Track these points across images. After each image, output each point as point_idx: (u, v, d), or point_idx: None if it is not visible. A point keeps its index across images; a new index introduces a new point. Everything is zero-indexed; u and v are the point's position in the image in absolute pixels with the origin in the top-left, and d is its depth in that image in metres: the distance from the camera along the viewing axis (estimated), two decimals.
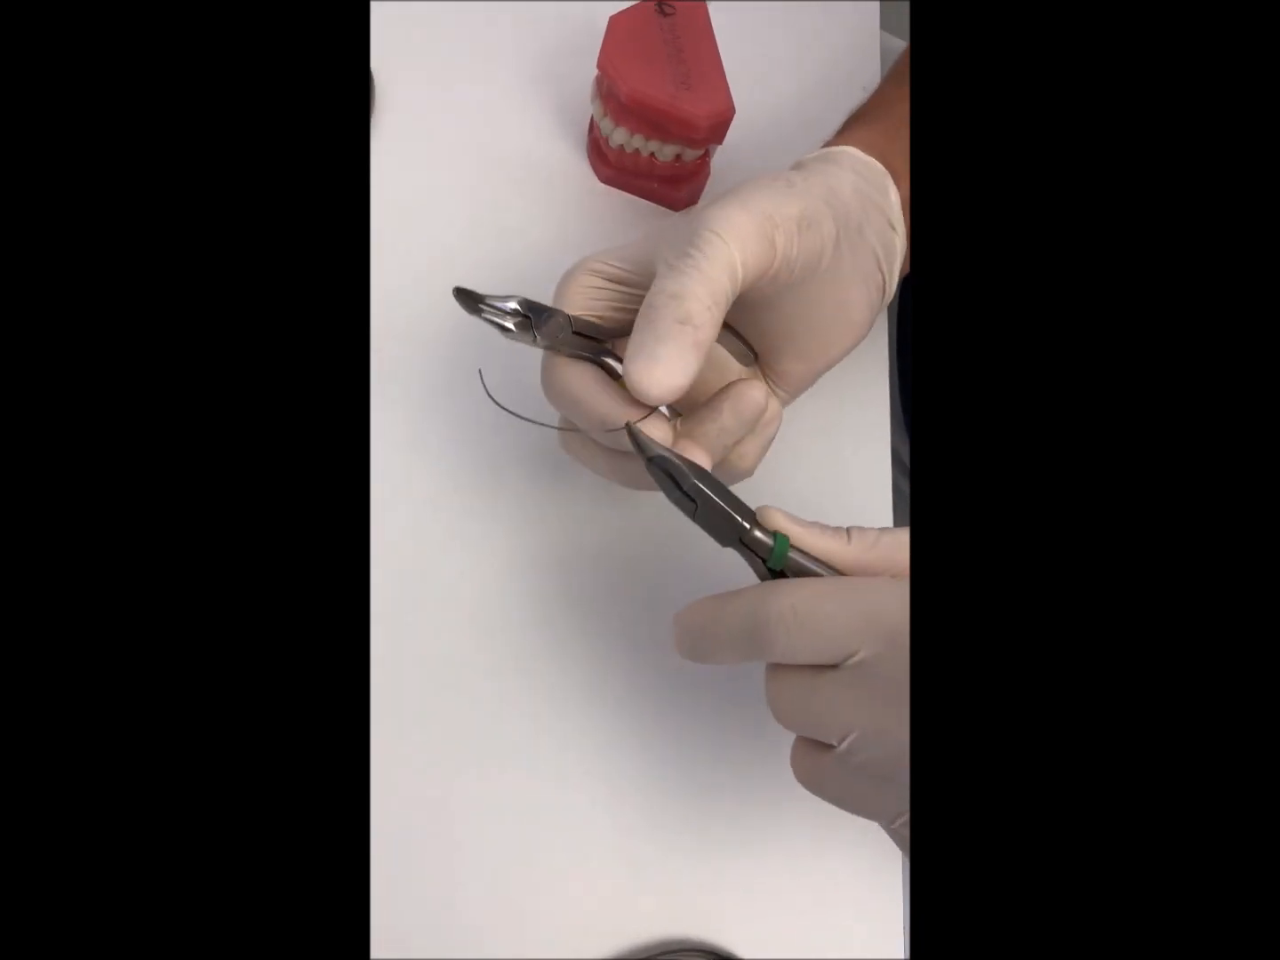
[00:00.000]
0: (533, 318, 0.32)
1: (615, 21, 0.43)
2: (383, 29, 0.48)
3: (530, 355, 0.34)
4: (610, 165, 0.47)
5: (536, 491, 0.42)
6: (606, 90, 0.43)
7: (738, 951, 0.37)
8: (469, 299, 0.32)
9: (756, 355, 0.37)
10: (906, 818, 0.25)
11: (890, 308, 0.48)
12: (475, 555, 0.40)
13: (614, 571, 0.41)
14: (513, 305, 0.32)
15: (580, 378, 0.32)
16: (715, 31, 0.44)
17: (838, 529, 0.29)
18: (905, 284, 0.60)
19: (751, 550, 0.29)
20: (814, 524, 0.29)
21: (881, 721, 0.25)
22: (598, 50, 0.43)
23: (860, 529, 0.29)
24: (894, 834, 0.27)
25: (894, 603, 0.25)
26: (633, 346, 0.30)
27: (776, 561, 0.28)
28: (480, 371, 0.35)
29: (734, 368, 0.37)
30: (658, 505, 0.32)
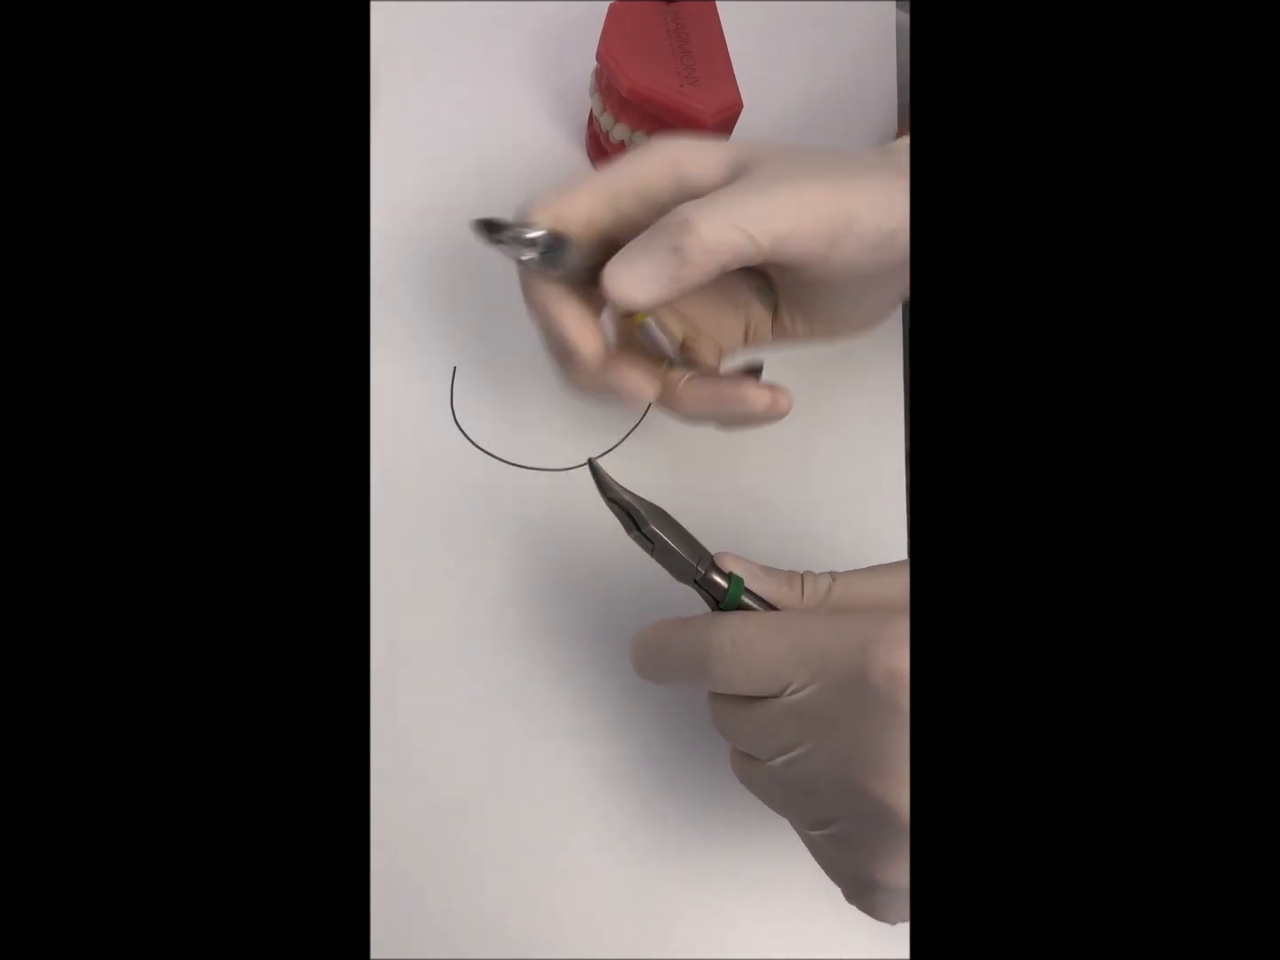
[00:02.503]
0: (558, 252, 0.31)
1: (615, 10, 0.40)
2: (375, 19, 0.47)
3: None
4: (610, 161, 0.45)
5: (538, 524, 0.40)
6: (606, 83, 0.41)
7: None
8: (489, 229, 0.30)
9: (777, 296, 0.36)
10: (827, 832, 0.27)
11: (905, 310, 0.46)
12: (475, 580, 0.39)
13: (618, 601, 0.40)
14: (538, 234, 0.31)
15: (568, 313, 0.32)
16: (721, 25, 0.41)
17: (792, 574, 0.30)
18: None
19: (706, 590, 0.29)
20: (770, 570, 0.30)
21: (808, 747, 0.26)
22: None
23: (813, 576, 0.30)
24: (808, 839, 0.28)
25: (824, 637, 0.26)
26: (628, 246, 0.30)
27: (728, 605, 0.29)
28: (451, 400, 0.34)
29: (755, 310, 0.36)
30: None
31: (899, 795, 0.24)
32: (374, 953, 0.35)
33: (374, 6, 0.47)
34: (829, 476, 0.42)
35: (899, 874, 0.25)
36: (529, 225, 0.30)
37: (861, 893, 0.27)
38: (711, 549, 0.30)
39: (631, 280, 0.30)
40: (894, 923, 0.28)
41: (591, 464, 0.30)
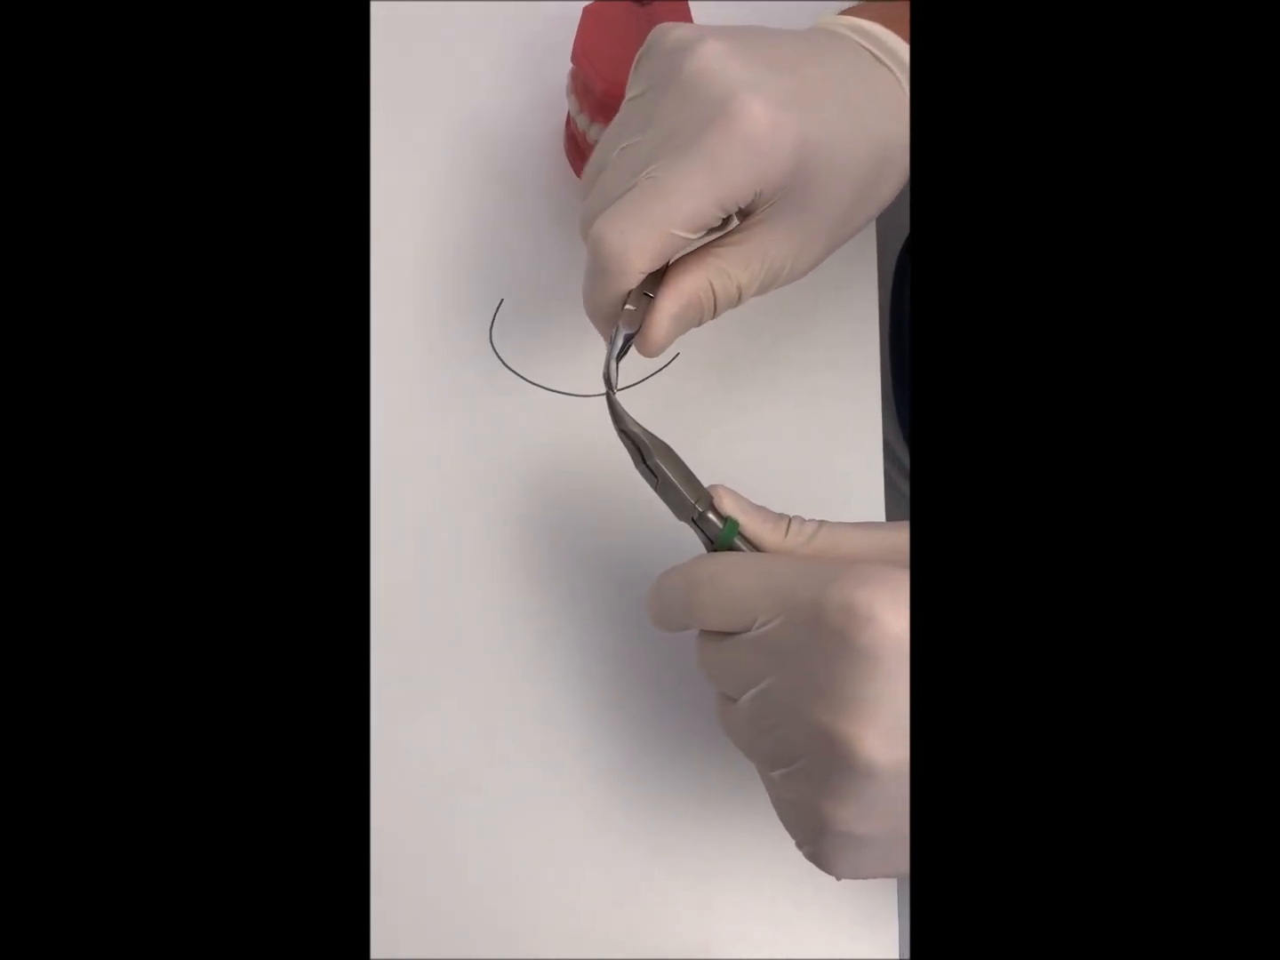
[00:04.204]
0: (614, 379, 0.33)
1: (589, 12, 0.41)
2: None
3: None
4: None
5: (536, 511, 0.41)
6: (582, 85, 0.41)
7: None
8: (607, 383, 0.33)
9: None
10: (785, 770, 0.27)
11: (883, 301, 0.46)
12: (471, 569, 0.40)
13: (613, 584, 0.40)
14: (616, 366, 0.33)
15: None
16: (695, 23, 0.42)
17: (781, 516, 0.31)
18: (900, 276, 0.58)
19: (702, 530, 0.30)
20: (760, 509, 0.31)
21: (771, 681, 0.27)
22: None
23: (801, 520, 0.30)
24: (770, 785, 0.29)
25: (792, 575, 0.27)
26: (623, 207, 0.31)
27: (721, 547, 0.30)
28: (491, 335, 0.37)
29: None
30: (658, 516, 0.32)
31: (848, 727, 0.24)
32: (374, 953, 0.35)
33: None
34: (804, 460, 0.43)
35: (846, 814, 0.26)
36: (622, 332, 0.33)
37: (813, 838, 0.28)
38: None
39: (621, 246, 0.31)
40: (840, 877, 0.28)
41: (609, 399, 0.32)
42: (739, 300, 0.34)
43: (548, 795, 0.38)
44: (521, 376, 0.36)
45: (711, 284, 0.33)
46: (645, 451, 0.31)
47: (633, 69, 0.34)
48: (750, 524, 0.30)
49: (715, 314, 0.35)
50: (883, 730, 0.24)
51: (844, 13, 0.36)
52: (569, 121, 0.45)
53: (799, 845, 0.29)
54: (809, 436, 0.43)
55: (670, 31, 0.33)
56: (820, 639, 0.25)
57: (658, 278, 0.33)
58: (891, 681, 0.24)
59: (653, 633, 0.31)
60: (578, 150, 0.45)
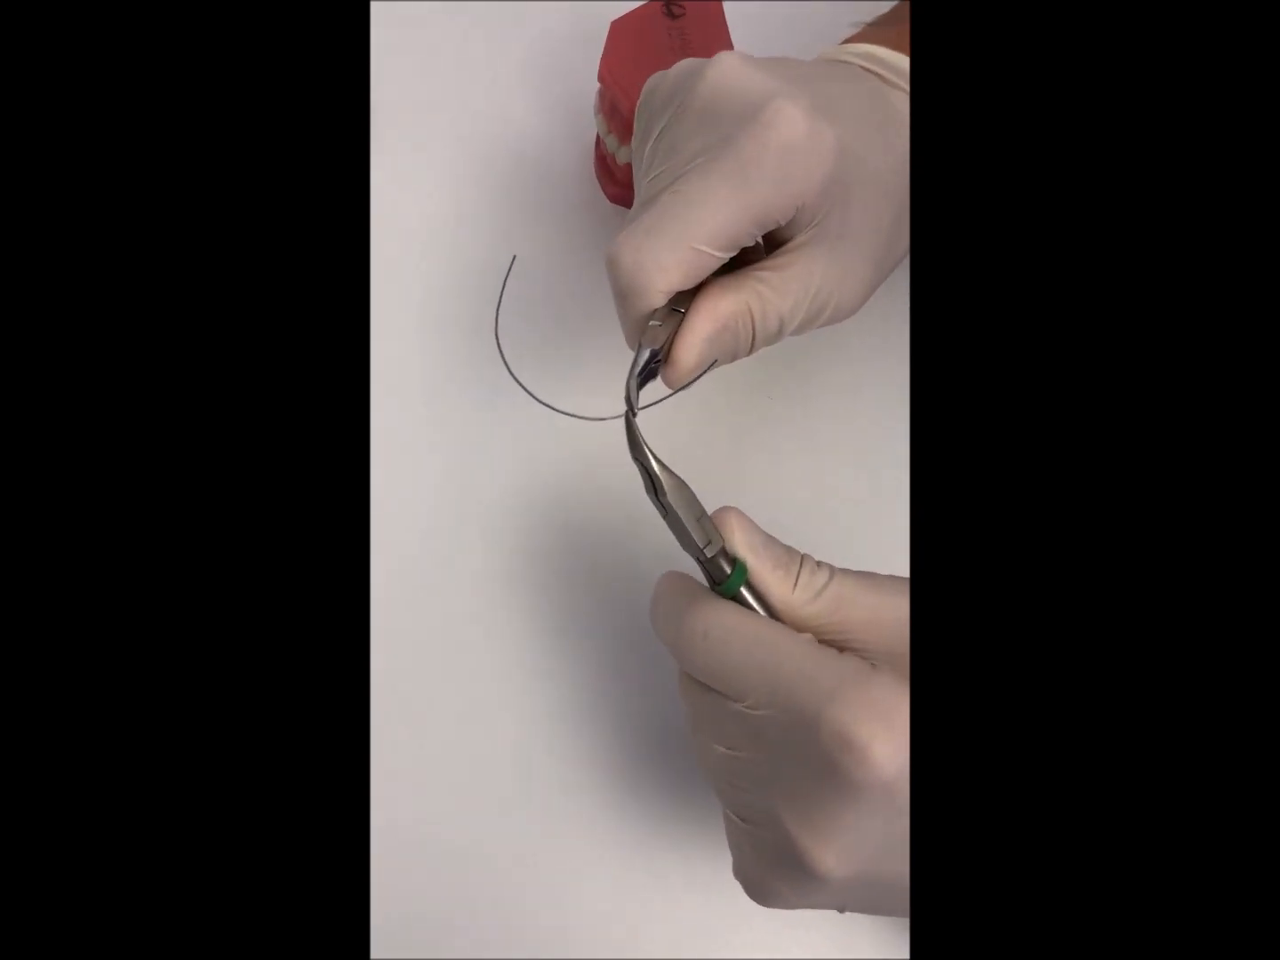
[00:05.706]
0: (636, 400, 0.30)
1: (617, 27, 0.39)
2: (377, 31, 0.46)
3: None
4: (618, 183, 0.43)
5: (543, 527, 0.40)
6: (609, 105, 0.39)
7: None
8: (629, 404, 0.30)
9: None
10: (741, 824, 0.27)
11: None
12: (476, 577, 0.40)
13: (619, 597, 0.40)
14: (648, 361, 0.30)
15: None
16: (731, 33, 0.40)
17: (792, 557, 0.28)
18: None
19: (708, 570, 0.29)
20: (770, 546, 0.29)
21: (748, 755, 0.26)
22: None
23: (813, 567, 0.28)
24: (726, 815, 0.29)
25: (793, 671, 0.25)
26: (643, 221, 0.28)
27: (725, 593, 0.28)
28: (499, 345, 0.35)
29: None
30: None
31: (810, 844, 0.24)
32: (374, 953, 0.35)
33: (374, 14, 0.46)
34: (833, 477, 0.42)
35: (787, 892, 0.26)
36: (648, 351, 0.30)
37: (749, 883, 0.28)
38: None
39: (639, 264, 0.28)
40: (772, 907, 0.28)
41: (628, 421, 0.29)
42: (779, 334, 0.31)
43: (548, 795, 0.38)
44: (542, 401, 0.33)
45: (750, 309, 0.30)
46: (658, 486, 0.29)
47: (636, 115, 0.32)
48: (759, 568, 0.28)
49: (753, 348, 0.31)
50: (843, 851, 0.24)
51: (845, 41, 0.35)
52: (598, 142, 0.43)
53: (734, 872, 0.29)
54: (837, 458, 0.42)
55: (668, 71, 0.31)
56: (808, 754, 0.24)
57: (690, 298, 0.30)
58: (868, 816, 0.24)
59: (655, 645, 0.30)
60: (607, 171, 0.43)
